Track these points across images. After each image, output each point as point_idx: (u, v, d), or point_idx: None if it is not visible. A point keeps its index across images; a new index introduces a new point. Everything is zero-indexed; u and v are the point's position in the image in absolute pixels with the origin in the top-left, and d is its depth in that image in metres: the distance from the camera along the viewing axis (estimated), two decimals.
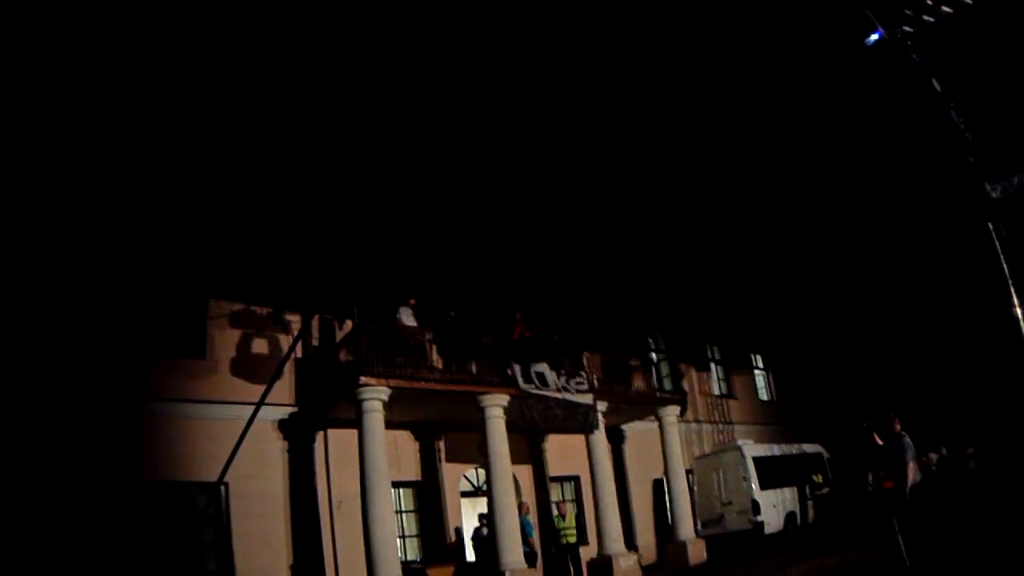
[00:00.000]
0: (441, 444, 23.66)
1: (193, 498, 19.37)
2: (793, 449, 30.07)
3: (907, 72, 15.24)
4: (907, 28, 15.03)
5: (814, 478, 29.02)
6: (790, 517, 27.56)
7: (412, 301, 22.22)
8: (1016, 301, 13.62)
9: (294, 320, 21.96)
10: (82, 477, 17.43)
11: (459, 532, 23.02)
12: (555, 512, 23.80)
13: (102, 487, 17.68)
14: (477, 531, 22.05)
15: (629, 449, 28.82)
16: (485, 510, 21.72)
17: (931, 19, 14.88)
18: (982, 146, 14.91)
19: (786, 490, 27.93)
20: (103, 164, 19.64)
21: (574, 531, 23.11)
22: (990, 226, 14.54)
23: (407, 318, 21.69)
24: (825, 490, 28.91)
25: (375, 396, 19.10)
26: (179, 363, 20.24)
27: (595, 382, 23.69)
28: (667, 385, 31.20)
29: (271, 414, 20.64)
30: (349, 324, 21.56)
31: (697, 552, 24.91)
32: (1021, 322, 13.58)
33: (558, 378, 22.27)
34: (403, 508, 22.52)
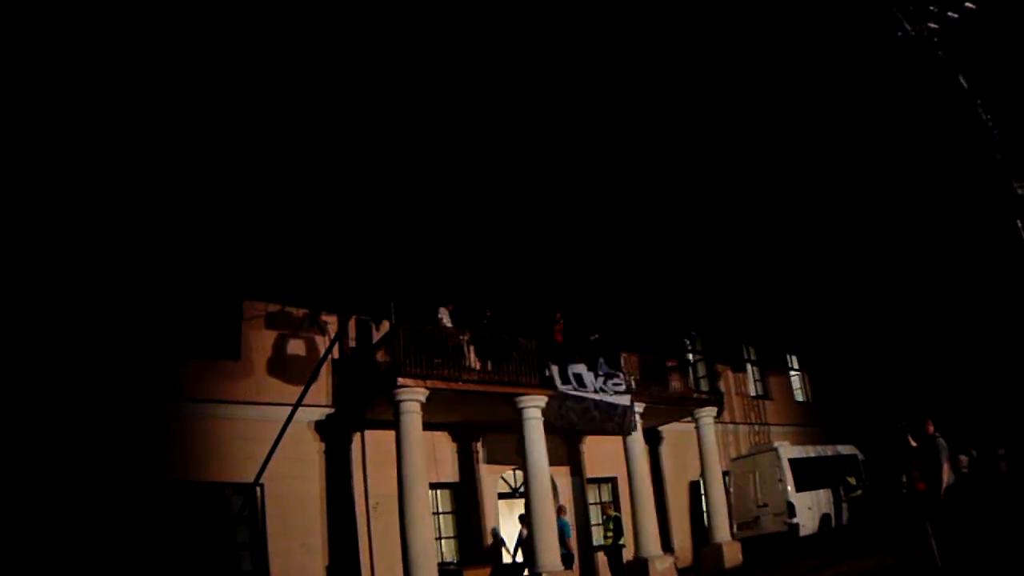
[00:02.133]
0: (479, 445, 23.59)
1: (229, 499, 19.38)
2: (828, 451, 29.88)
3: (934, 69, 15.11)
4: (933, 25, 14.89)
5: (848, 480, 28.78)
6: (825, 519, 27.37)
7: (450, 307, 22.14)
8: None
9: (330, 321, 21.93)
10: (119, 478, 17.47)
11: (496, 533, 22.90)
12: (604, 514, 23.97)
13: (138, 488, 17.71)
14: (521, 534, 22.00)
15: (666, 451, 28.71)
16: (523, 512, 21.62)
17: (956, 15, 14.74)
18: (1010, 144, 14.76)
19: (821, 492, 27.74)
20: (140, 166, 19.66)
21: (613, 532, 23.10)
22: (1019, 224, 14.41)
23: (445, 320, 21.64)
24: (859, 492, 28.66)
25: (413, 397, 19.01)
26: (214, 364, 20.29)
27: (632, 383, 23.50)
28: (703, 386, 31.10)
29: (308, 415, 20.58)
30: (386, 325, 21.49)
31: (733, 554, 24.75)
32: None
33: (596, 379, 22.14)
34: (440, 509, 22.47)
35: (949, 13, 14.67)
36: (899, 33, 15.21)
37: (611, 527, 22.95)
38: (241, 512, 19.16)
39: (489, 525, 22.98)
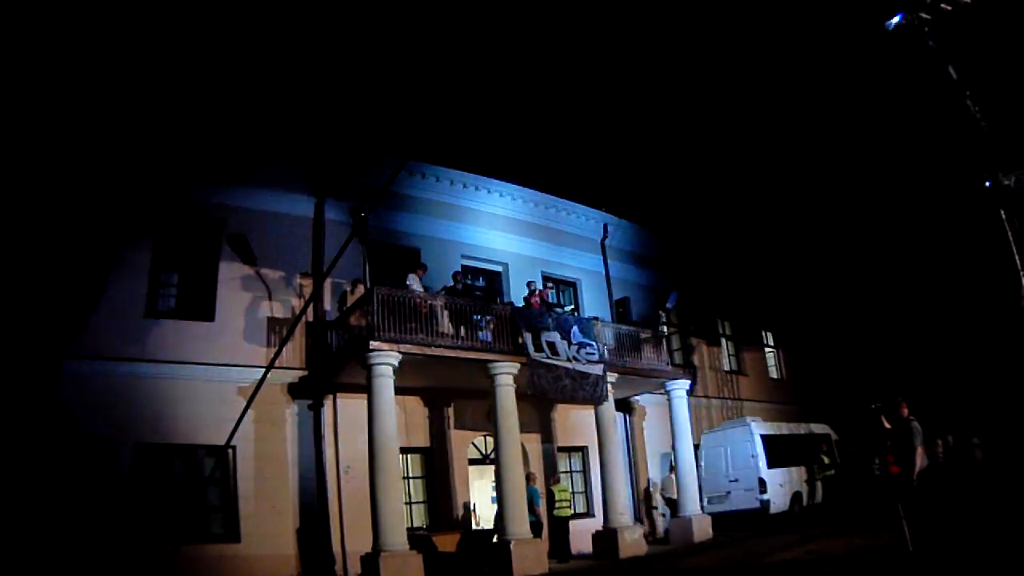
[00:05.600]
0: (450, 411, 23.57)
1: (200, 460, 19.41)
2: (801, 429, 30.04)
3: (923, 59, 15.12)
4: (925, 15, 14.89)
5: (821, 459, 28.91)
6: (796, 497, 27.56)
7: (420, 271, 22.16)
8: None
9: (305, 284, 21.88)
10: (91, 438, 17.47)
11: (466, 500, 22.99)
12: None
13: (110, 448, 17.72)
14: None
15: (638, 422, 28.83)
16: (493, 478, 21.68)
17: (948, 7, 14.74)
18: (997, 135, 14.81)
19: (793, 469, 27.92)
20: (121, 130, 19.58)
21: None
22: (1003, 214, 14.46)
23: (416, 285, 21.62)
24: (831, 471, 28.79)
25: (385, 361, 19.04)
26: (189, 325, 20.28)
27: (606, 353, 23.56)
28: (677, 359, 31.14)
29: (281, 377, 20.56)
30: (361, 289, 21.47)
31: (702, 528, 24.85)
32: None
33: (569, 348, 22.16)
34: (411, 474, 22.57)
35: (942, 5, 14.67)
36: (894, 19, 15.22)
37: (558, 497, 23.04)
38: (212, 474, 19.15)
39: (459, 491, 23.05)
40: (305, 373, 21.33)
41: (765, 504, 26.07)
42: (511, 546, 19.35)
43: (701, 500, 26.38)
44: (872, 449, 22.96)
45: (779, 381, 38.32)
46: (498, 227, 27.23)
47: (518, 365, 21.04)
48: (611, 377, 23.36)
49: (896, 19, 15.10)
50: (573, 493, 26.19)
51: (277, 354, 16.44)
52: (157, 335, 19.63)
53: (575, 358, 22.17)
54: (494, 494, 21.87)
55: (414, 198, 24.83)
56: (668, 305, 29.50)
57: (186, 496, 18.77)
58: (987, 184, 14.76)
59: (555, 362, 21.70)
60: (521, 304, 23.54)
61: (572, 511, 23.34)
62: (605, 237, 30.83)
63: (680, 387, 26.15)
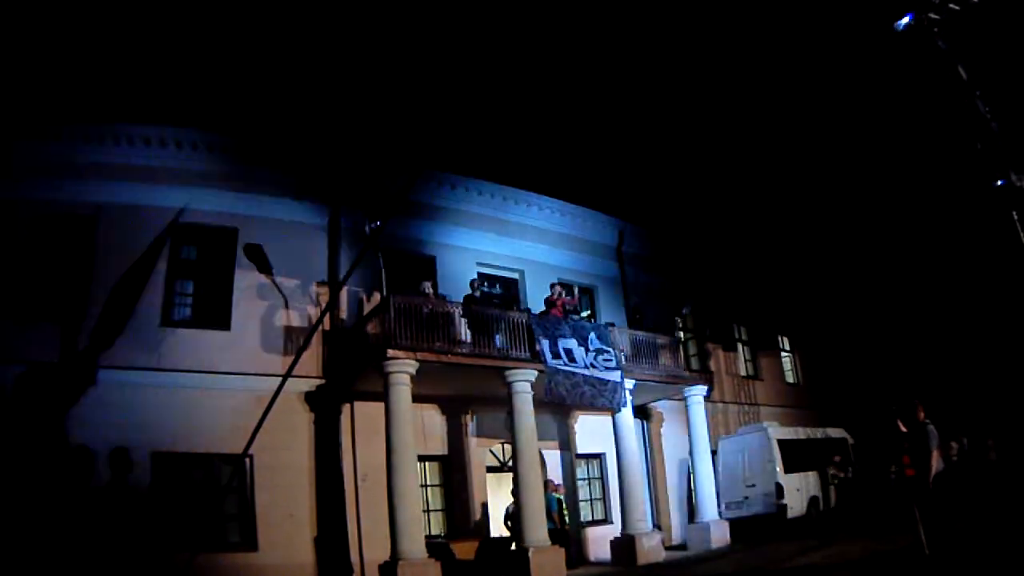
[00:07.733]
0: (468, 419, 23.58)
1: (218, 469, 19.44)
2: (818, 433, 29.87)
3: (933, 59, 15.05)
4: (934, 15, 14.83)
5: (834, 463, 28.79)
6: (813, 501, 27.37)
7: (431, 283, 22.19)
8: None
9: (322, 292, 21.89)
10: (108, 448, 17.50)
11: (484, 507, 22.96)
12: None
13: (128, 458, 17.73)
14: (508, 508, 22.05)
15: (655, 428, 28.74)
16: (511, 486, 21.64)
17: (957, 7, 14.68)
18: (1008, 135, 14.74)
19: (810, 474, 27.74)
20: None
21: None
22: (1015, 216, 14.40)
23: (429, 292, 21.64)
24: (845, 475, 28.67)
25: (403, 369, 19.01)
26: (205, 334, 20.29)
27: (623, 359, 23.51)
28: (694, 364, 31.10)
29: (297, 386, 20.60)
30: (377, 296, 21.47)
31: (720, 534, 24.78)
32: None
33: (586, 354, 22.10)
34: (428, 482, 22.47)
35: (951, 4, 14.61)
36: (903, 19, 15.16)
37: (559, 508, 22.94)
38: (230, 483, 19.19)
39: (477, 499, 23.02)
40: (322, 382, 21.30)
41: (783, 509, 25.91)
42: (529, 554, 19.30)
43: (719, 506, 26.30)
44: (888, 453, 22.91)
45: (795, 385, 38.11)
46: (514, 234, 27.20)
47: (536, 372, 21.01)
48: (628, 383, 23.30)
49: (906, 19, 15.03)
50: (591, 500, 26.25)
51: (294, 363, 16.35)
52: (173, 344, 19.63)
53: (593, 365, 22.11)
54: (510, 506, 21.89)
55: (429, 205, 24.79)
56: (683, 312, 29.39)
57: (203, 505, 18.81)
58: (998, 185, 14.70)
59: (573, 369, 21.64)
60: (540, 310, 23.47)
61: (567, 522, 23.21)
62: (621, 243, 30.81)
63: (697, 393, 26.12)
